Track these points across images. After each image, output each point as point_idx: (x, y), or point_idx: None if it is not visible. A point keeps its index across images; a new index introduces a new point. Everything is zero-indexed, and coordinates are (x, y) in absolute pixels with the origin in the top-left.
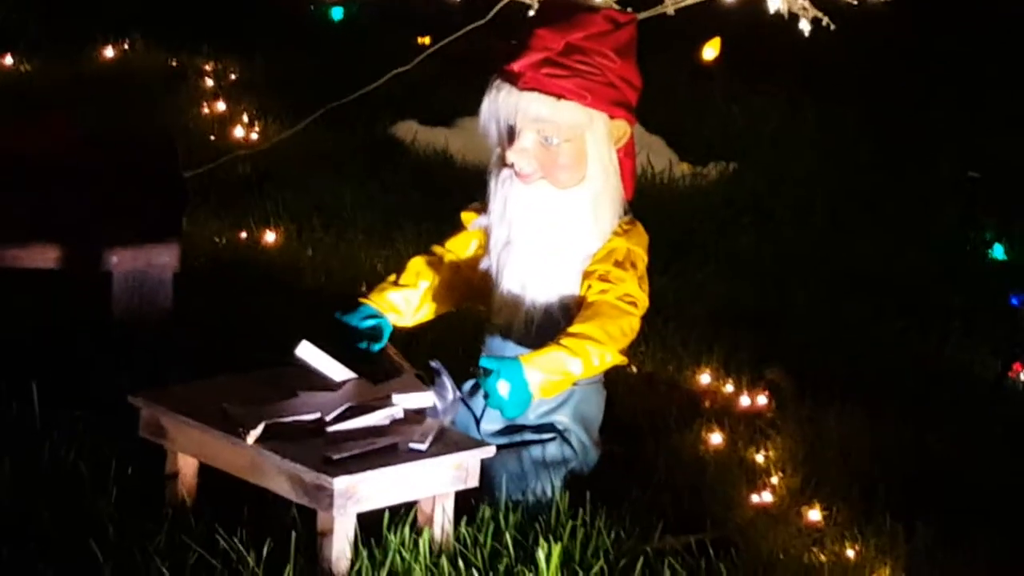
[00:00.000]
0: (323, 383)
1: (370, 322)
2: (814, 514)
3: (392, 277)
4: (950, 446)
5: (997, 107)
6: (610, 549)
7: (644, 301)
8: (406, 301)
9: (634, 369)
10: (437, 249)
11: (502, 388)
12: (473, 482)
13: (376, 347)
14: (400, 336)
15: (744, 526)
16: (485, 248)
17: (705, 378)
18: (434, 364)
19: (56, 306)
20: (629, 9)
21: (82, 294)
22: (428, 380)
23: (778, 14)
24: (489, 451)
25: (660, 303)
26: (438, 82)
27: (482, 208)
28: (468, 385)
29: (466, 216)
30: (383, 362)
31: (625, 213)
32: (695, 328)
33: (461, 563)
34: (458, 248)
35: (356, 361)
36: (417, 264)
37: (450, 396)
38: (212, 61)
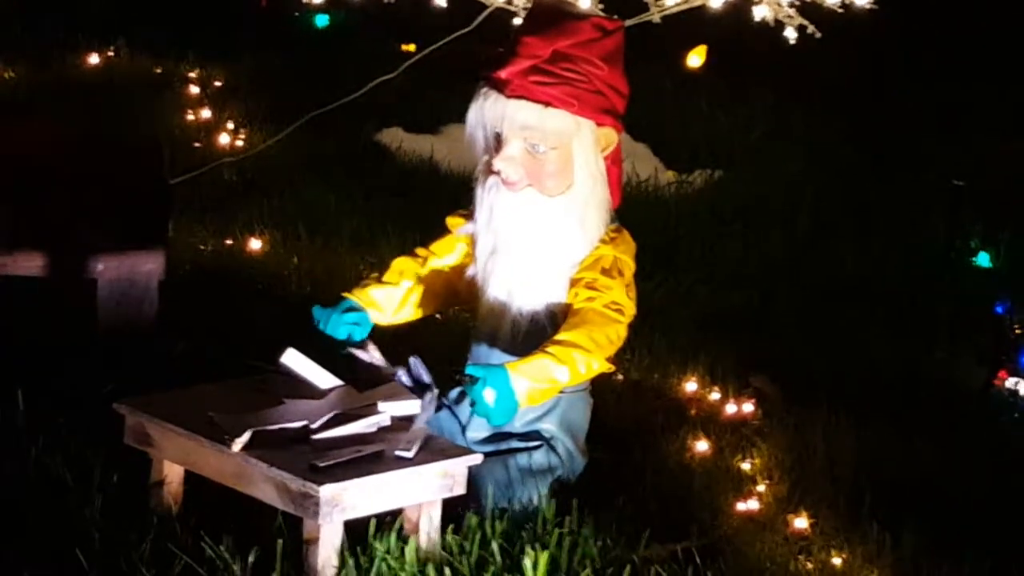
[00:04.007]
0: (309, 391)
1: (352, 315)
2: (800, 522)
3: (375, 274)
4: (936, 454)
5: (982, 115)
6: (597, 557)
7: (631, 309)
8: (388, 298)
9: (620, 377)
10: (421, 251)
11: (488, 396)
12: (460, 490)
13: (357, 337)
14: (387, 342)
15: (730, 534)
16: (472, 255)
17: (691, 386)
18: (412, 360)
19: (41, 313)
20: (616, 16)
21: (67, 301)
22: (417, 390)
23: (764, 22)
24: (476, 459)
25: (646, 310)
26: (423, 89)
27: (468, 215)
28: (454, 393)
29: (451, 221)
30: (360, 357)
31: (612, 221)
32: (681, 335)
33: (448, 571)
34: (442, 251)
35: (337, 357)
36: (401, 263)
37: (428, 393)
38: (197, 68)
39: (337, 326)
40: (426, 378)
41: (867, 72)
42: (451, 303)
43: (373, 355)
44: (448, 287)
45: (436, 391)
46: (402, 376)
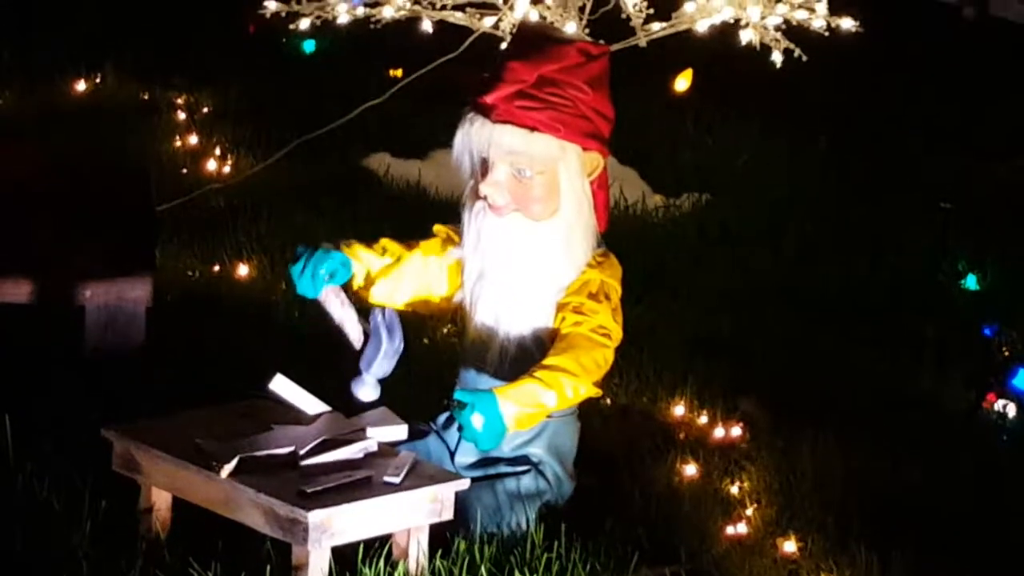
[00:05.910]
0: (297, 416)
1: (337, 254)
2: (789, 545)
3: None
4: (924, 476)
5: (969, 137)
6: None
7: (618, 333)
8: (369, 260)
9: (608, 401)
10: (409, 242)
11: (476, 421)
12: (448, 515)
13: (339, 278)
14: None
15: (719, 558)
16: (460, 281)
17: (679, 409)
18: (388, 311)
19: (29, 340)
20: (602, 41)
21: (54, 328)
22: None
23: (750, 46)
24: (464, 484)
25: (634, 334)
26: (410, 114)
27: (456, 231)
28: (442, 418)
29: (438, 228)
30: (329, 309)
31: (599, 245)
32: (669, 359)
33: None
34: (428, 250)
35: (324, 386)
36: (386, 242)
37: (397, 340)
38: (184, 94)
39: (323, 260)
40: (397, 327)
41: (853, 94)
42: (422, 299)
43: (344, 303)
44: (423, 282)
45: (402, 344)
46: (378, 315)
